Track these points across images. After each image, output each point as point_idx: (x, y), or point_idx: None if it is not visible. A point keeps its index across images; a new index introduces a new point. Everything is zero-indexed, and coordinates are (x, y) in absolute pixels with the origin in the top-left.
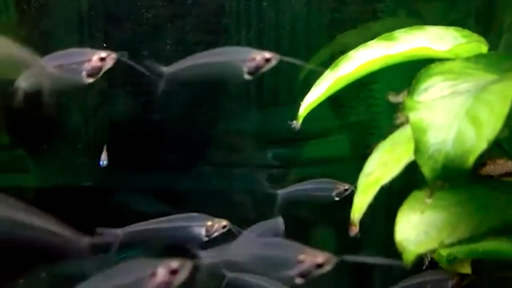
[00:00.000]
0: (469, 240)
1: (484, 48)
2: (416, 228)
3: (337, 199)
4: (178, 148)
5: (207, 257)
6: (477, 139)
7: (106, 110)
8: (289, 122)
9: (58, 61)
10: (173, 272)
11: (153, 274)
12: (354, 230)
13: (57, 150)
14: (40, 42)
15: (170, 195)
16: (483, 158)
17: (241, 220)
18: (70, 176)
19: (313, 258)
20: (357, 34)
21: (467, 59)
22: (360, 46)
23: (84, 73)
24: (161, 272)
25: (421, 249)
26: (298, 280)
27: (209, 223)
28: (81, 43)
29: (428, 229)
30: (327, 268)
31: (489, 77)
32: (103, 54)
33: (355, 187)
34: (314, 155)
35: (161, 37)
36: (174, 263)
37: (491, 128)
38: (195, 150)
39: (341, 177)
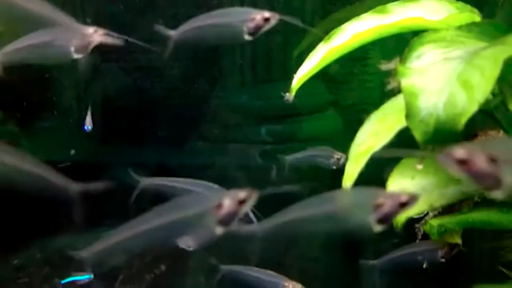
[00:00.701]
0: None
1: (477, 18)
2: None
3: (334, 167)
4: (171, 123)
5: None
6: (468, 102)
7: (98, 85)
8: (282, 93)
9: (45, 37)
10: (240, 202)
11: (220, 205)
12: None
13: (50, 126)
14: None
15: (163, 170)
16: (475, 129)
17: None
18: (62, 152)
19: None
20: (352, 10)
21: (460, 27)
22: (354, 19)
23: (72, 48)
24: (228, 202)
25: (411, 213)
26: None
27: None
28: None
29: (418, 193)
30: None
31: (481, 44)
32: (90, 29)
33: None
34: (308, 130)
35: (155, 11)
36: (242, 193)
37: (482, 90)
38: (188, 126)
39: None
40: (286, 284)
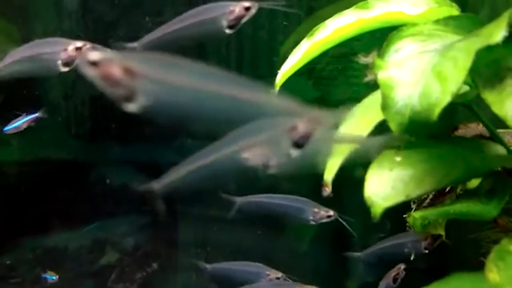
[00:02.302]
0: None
1: (455, 12)
2: (384, 184)
3: None
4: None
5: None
6: (442, 93)
7: (86, 83)
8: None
9: (34, 50)
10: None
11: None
12: (327, 190)
13: (38, 124)
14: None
15: (151, 168)
16: (456, 122)
17: (225, 193)
18: (51, 150)
19: None
20: (337, 7)
21: (437, 21)
22: (336, 14)
23: (59, 62)
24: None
25: (388, 203)
26: None
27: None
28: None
29: (395, 184)
30: None
31: (458, 37)
32: (78, 44)
33: None
34: None
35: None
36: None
37: (455, 81)
38: (176, 123)
39: None
40: (268, 273)
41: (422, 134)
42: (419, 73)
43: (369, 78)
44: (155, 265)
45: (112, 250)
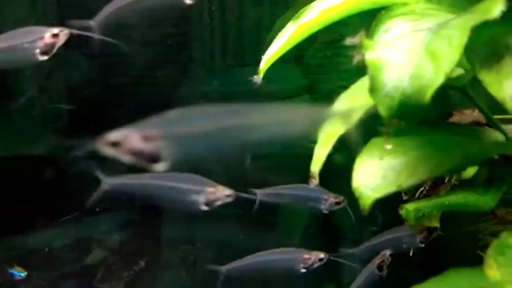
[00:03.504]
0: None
1: None
2: (374, 174)
3: None
4: (139, 112)
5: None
6: (434, 73)
7: (61, 74)
8: (249, 77)
9: (9, 41)
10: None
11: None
12: (314, 182)
13: (11, 118)
14: None
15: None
16: (450, 109)
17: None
18: (26, 145)
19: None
20: None
21: (430, 0)
22: None
23: (37, 51)
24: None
25: (378, 194)
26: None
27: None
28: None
29: (386, 173)
30: None
31: (452, 16)
32: (55, 30)
33: None
34: None
35: None
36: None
37: (449, 60)
38: (156, 114)
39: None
40: (307, 256)
41: (414, 119)
42: (411, 53)
43: (356, 59)
44: (142, 263)
45: (97, 248)
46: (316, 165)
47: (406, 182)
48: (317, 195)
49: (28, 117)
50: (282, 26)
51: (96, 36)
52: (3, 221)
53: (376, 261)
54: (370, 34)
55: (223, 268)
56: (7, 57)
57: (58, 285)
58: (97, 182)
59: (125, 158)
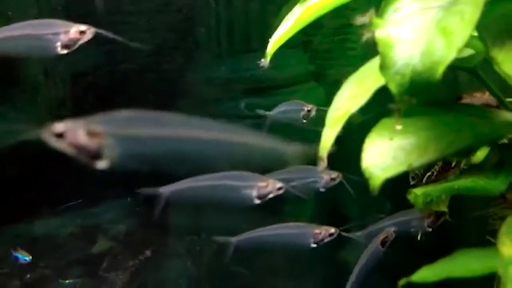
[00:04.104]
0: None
1: None
2: (384, 154)
3: (305, 121)
4: (144, 99)
5: None
6: (446, 49)
7: (67, 60)
8: (257, 61)
9: (33, 29)
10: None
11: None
12: (322, 165)
13: (16, 104)
14: None
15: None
16: (459, 91)
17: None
18: (31, 132)
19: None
20: None
21: None
22: None
23: (59, 43)
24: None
25: (388, 173)
26: None
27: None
28: None
29: (396, 153)
30: None
31: None
32: (82, 27)
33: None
34: None
35: None
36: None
37: (461, 35)
38: (163, 102)
39: (318, 123)
40: (318, 231)
41: (425, 96)
42: (421, 30)
43: (366, 36)
44: (148, 252)
45: (103, 237)
46: (324, 148)
47: (417, 161)
48: (312, 174)
49: (33, 103)
50: (289, 11)
51: (118, 38)
52: (8, 209)
53: (380, 237)
54: (379, 14)
55: (233, 239)
56: (28, 44)
57: (63, 273)
58: (101, 170)
59: (68, 150)
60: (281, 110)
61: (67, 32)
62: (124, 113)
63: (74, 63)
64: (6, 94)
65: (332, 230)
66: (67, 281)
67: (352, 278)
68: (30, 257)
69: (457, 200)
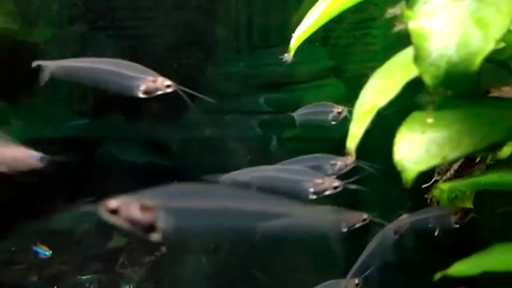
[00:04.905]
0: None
1: None
2: (416, 147)
3: (334, 123)
4: (165, 94)
5: None
6: (483, 40)
7: (87, 56)
8: (279, 56)
9: (123, 69)
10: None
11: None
12: (350, 159)
13: (39, 101)
14: None
15: (158, 145)
16: (487, 86)
17: (235, 168)
18: (51, 128)
19: None
20: None
21: None
22: None
23: (142, 88)
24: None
25: (422, 166)
26: None
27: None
28: None
29: (429, 146)
30: None
31: None
32: (167, 82)
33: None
34: (308, 98)
35: None
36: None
37: (498, 27)
38: (181, 97)
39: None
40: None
41: (461, 88)
42: (455, 22)
43: (398, 27)
44: (163, 249)
45: (119, 234)
46: (352, 142)
47: (451, 154)
48: (324, 162)
49: (52, 99)
50: (310, 6)
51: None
52: (28, 205)
53: (395, 225)
54: (409, 5)
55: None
56: (115, 82)
57: (80, 269)
58: (122, 165)
59: (123, 225)
60: (310, 111)
61: (155, 81)
62: (174, 187)
63: (94, 56)
64: (26, 89)
65: (365, 215)
66: (84, 277)
67: (358, 263)
68: (50, 252)
69: (480, 195)
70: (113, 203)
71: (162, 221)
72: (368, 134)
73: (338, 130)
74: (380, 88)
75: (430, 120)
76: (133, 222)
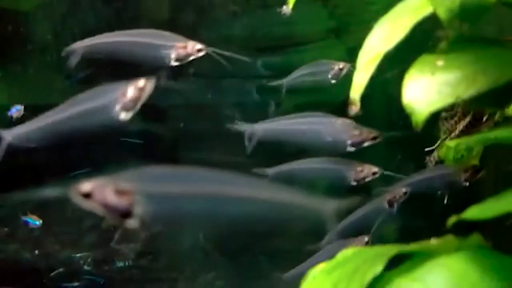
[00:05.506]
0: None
1: None
2: (427, 89)
3: (333, 81)
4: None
5: None
6: None
7: (76, 18)
8: (278, 9)
9: (150, 39)
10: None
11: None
12: (354, 109)
13: (26, 65)
14: None
15: (153, 111)
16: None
17: (231, 135)
18: (41, 94)
19: None
20: None
21: None
22: None
23: (173, 56)
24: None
25: (433, 107)
26: None
27: None
28: None
29: (441, 88)
30: None
31: None
32: (199, 45)
33: (352, 66)
34: (307, 62)
35: None
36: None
37: None
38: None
39: (340, 86)
40: (360, 168)
41: (476, 19)
42: None
43: None
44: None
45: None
46: (356, 92)
47: (466, 93)
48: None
49: (42, 63)
50: None
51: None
52: (17, 173)
53: (388, 196)
54: None
55: (270, 171)
56: (143, 52)
57: (75, 244)
58: (115, 132)
59: (97, 210)
60: (306, 72)
61: (185, 47)
62: (153, 169)
63: (84, 21)
64: (14, 54)
65: (376, 169)
66: (78, 255)
67: (336, 228)
68: (41, 221)
69: (488, 155)
70: (85, 186)
71: (139, 207)
72: (369, 98)
73: (339, 94)
74: (386, 35)
75: (440, 63)
76: (107, 207)
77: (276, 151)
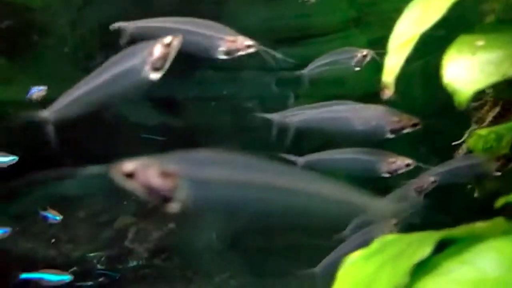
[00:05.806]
0: None
1: None
2: (468, 68)
3: (357, 69)
4: (178, 51)
5: None
6: None
7: (93, 9)
8: None
9: (203, 28)
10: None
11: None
12: (387, 93)
13: (43, 55)
14: None
15: (171, 104)
16: None
17: (250, 129)
18: (57, 86)
19: None
20: None
21: None
22: None
23: (222, 49)
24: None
25: (478, 86)
26: None
27: None
28: None
29: (483, 67)
30: None
31: None
32: (248, 41)
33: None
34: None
35: None
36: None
37: None
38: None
39: (359, 76)
40: (392, 160)
41: None
42: None
43: None
44: (172, 225)
45: (123, 215)
46: (389, 75)
47: (511, 70)
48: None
49: (59, 54)
50: None
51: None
52: (35, 166)
53: (414, 184)
54: None
55: (301, 159)
56: (194, 41)
57: (90, 238)
58: (132, 126)
59: (138, 191)
60: (329, 60)
61: (234, 41)
62: (199, 154)
63: (101, 12)
64: (31, 44)
65: (409, 161)
66: (92, 254)
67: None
68: (61, 217)
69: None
70: (129, 165)
71: (182, 191)
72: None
73: (359, 88)
74: (418, 19)
75: (480, 43)
76: (150, 188)
77: (299, 144)
